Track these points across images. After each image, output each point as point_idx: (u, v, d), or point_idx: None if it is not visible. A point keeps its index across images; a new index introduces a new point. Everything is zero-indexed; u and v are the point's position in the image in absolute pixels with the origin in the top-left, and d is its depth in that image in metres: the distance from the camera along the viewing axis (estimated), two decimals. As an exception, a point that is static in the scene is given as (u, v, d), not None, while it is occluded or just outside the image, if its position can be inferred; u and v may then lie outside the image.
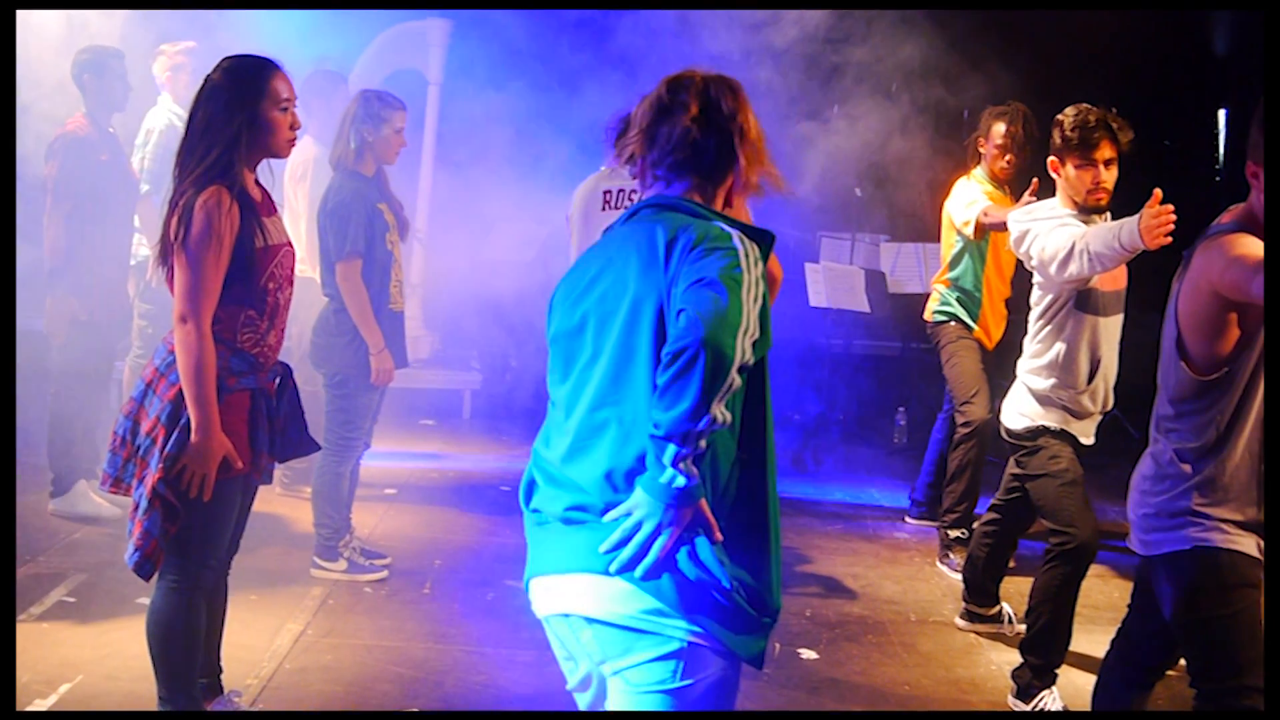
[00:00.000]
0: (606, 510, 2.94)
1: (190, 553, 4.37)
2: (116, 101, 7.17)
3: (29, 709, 4.85)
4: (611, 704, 3.07)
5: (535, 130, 9.64)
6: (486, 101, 9.84)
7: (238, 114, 4.27)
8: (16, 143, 7.11)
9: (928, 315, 7.56)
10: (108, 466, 4.41)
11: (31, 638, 5.49)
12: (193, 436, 4.19)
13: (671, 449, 2.78)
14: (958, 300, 7.37)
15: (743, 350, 2.79)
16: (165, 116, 7.76)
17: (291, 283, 4.56)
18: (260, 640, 5.63)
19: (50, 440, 7.12)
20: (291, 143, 4.48)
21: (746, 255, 2.91)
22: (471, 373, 10.71)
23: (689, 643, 2.92)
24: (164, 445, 4.23)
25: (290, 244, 4.58)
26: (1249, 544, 3.82)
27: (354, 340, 6.23)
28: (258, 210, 4.38)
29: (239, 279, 4.30)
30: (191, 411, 4.19)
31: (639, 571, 2.88)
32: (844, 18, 9.30)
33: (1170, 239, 4.72)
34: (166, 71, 7.83)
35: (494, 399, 10.56)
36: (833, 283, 10.30)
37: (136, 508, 4.29)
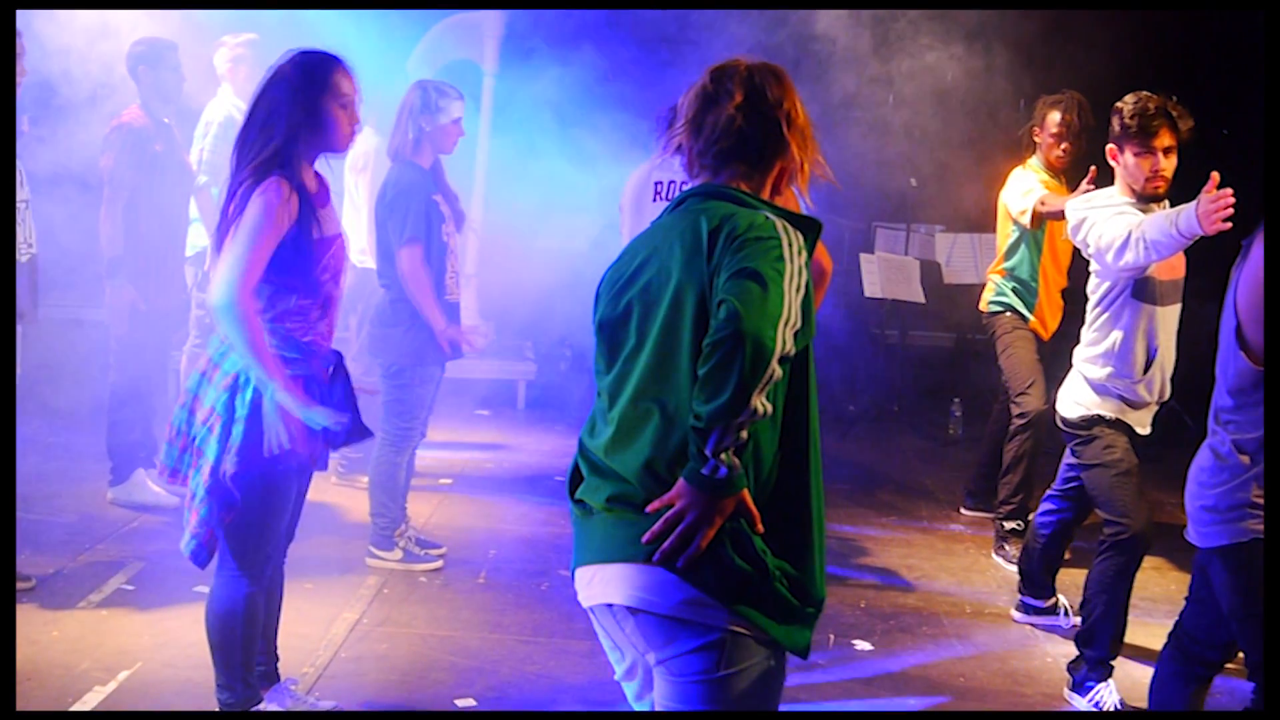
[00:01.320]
0: (649, 500, 2.93)
1: (248, 542, 4.40)
2: (171, 93, 7.21)
3: (88, 695, 4.91)
4: (657, 693, 3.07)
5: (591, 119, 9.62)
6: (542, 91, 9.84)
7: (299, 107, 4.28)
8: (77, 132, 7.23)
9: (983, 306, 7.51)
10: (164, 458, 4.43)
11: (90, 625, 5.56)
12: (278, 397, 4.19)
13: (712, 440, 2.79)
14: (1013, 290, 7.31)
15: (783, 341, 2.79)
16: (225, 108, 7.80)
17: (343, 273, 4.56)
18: (316, 629, 5.67)
19: (109, 429, 7.18)
20: (350, 138, 4.49)
21: (790, 244, 2.91)
22: (526, 363, 10.71)
23: (732, 632, 2.92)
24: (222, 434, 4.24)
25: (342, 235, 4.57)
26: (1308, 535, 3.78)
27: (410, 329, 6.24)
28: (313, 202, 4.38)
29: (294, 269, 4.30)
30: (263, 379, 4.17)
31: (681, 562, 2.88)
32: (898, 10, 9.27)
33: (1229, 224, 4.66)
34: (227, 63, 7.88)
35: (549, 389, 10.58)
36: (888, 273, 10.26)
37: (193, 496, 4.32)
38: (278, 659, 4.83)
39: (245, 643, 4.50)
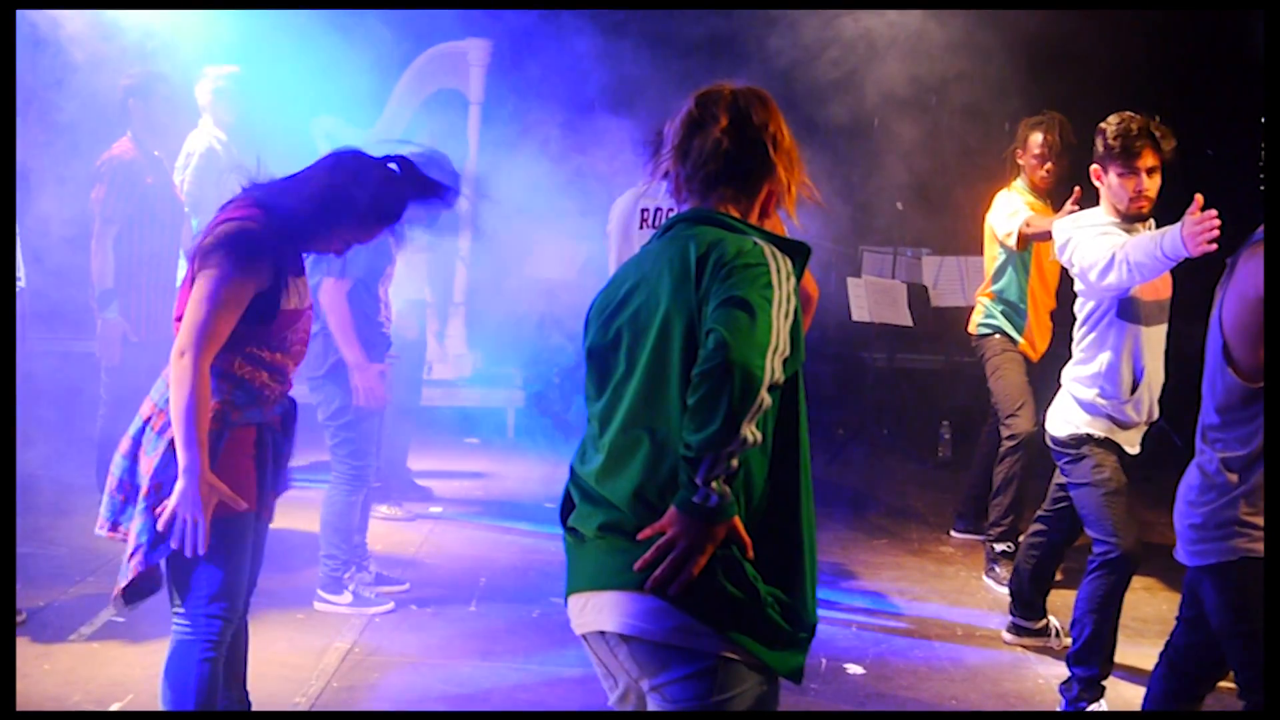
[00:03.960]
0: (640, 527, 2.94)
1: (199, 604, 4.07)
2: (161, 125, 7.23)
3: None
4: (651, 720, 3.08)
5: (577, 147, 9.65)
6: (528, 119, 9.87)
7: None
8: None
9: (972, 328, 7.53)
10: (105, 510, 4.12)
11: (82, 657, 5.54)
12: (180, 482, 3.89)
13: (703, 469, 2.80)
14: (1002, 313, 7.33)
15: (772, 369, 2.80)
16: (206, 139, 7.82)
17: (306, 344, 4.34)
18: (308, 659, 5.65)
19: (99, 462, 7.15)
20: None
21: (779, 271, 2.92)
22: (515, 390, 10.72)
23: (724, 658, 2.93)
24: (153, 488, 3.99)
25: (310, 308, 4.34)
26: (1296, 553, 3.79)
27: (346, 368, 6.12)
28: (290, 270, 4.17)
29: (253, 325, 4.07)
30: (180, 454, 3.89)
31: (673, 589, 2.89)
32: (885, 29, 9.28)
33: (1215, 245, 4.68)
34: (208, 95, 7.89)
35: (537, 417, 10.57)
36: (875, 296, 10.28)
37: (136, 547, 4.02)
38: (250, 705, 4.55)
39: (201, 709, 4.12)
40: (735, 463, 2.83)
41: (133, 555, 4.02)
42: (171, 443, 3.96)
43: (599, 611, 3.03)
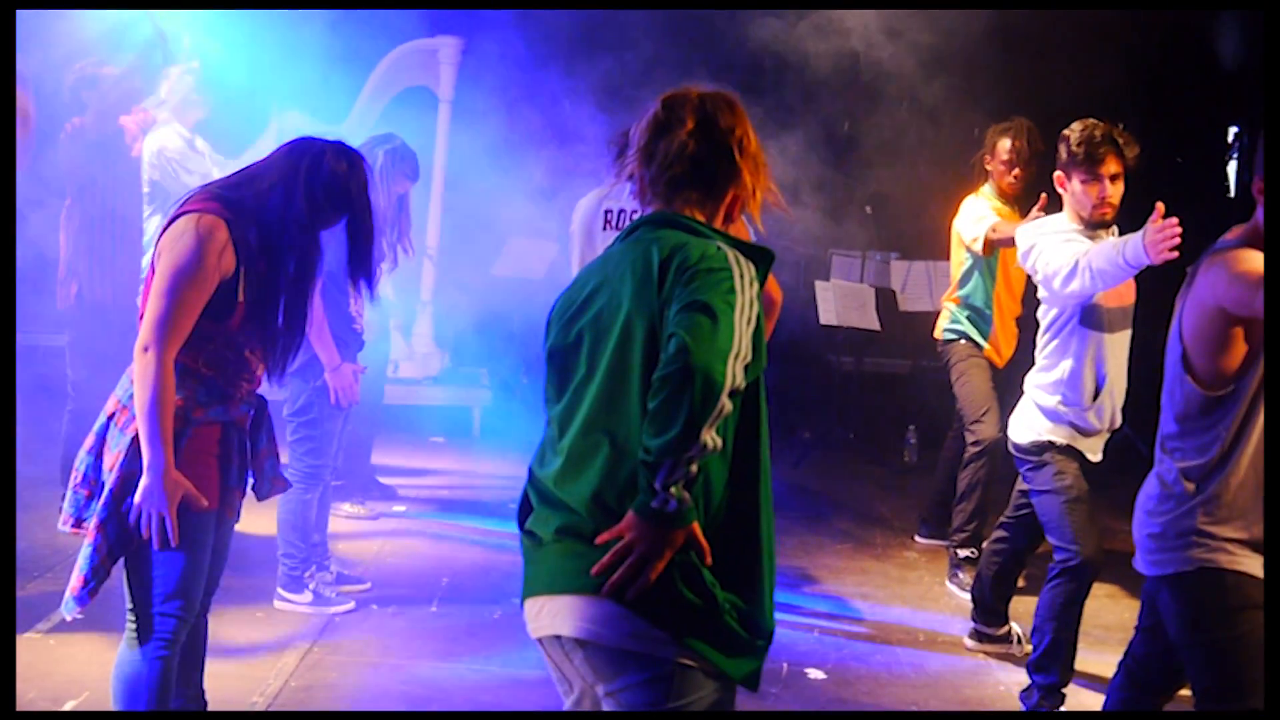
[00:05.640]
0: (598, 531, 2.93)
1: (154, 602, 4.02)
2: (114, 110, 7.21)
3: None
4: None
5: (546, 147, 9.64)
6: (498, 119, 9.85)
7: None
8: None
9: (938, 333, 7.54)
10: (69, 506, 4.07)
11: (39, 654, 5.50)
12: (144, 478, 3.86)
13: (662, 474, 2.79)
14: (968, 318, 7.34)
15: (733, 375, 2.79)
16: (169, 134, 7.77)
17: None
18: (266, 658, 5.62)
19: (63, 457, 7.11)
20: None
21: (742, 276, 2.91)
22: (481, 389, 10.70)
23: (680, 665, 2.92)
24: (117, 482, 3.95)
25: None
26: (1254, 564, 3.79)
27: (315, 365, 6.10)
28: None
29: (215, 321, 4.02)
30: (144, 450, 3.85)
31: (630, 594, 2.88)
32: (855, 34, 9.30)
33: (1176, 253, 4.70)
34: (171, 89, 7.85)
35: (504, 416, 10.55)
36: (843, 300, 10.29)
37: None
38: (205, 703, 4.50)
39: (153, 711, 4.08)
40: (695, 468, 2.82)
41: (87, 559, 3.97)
42: (135, 439, 3.92)
43: (555, 615, 3.01)
